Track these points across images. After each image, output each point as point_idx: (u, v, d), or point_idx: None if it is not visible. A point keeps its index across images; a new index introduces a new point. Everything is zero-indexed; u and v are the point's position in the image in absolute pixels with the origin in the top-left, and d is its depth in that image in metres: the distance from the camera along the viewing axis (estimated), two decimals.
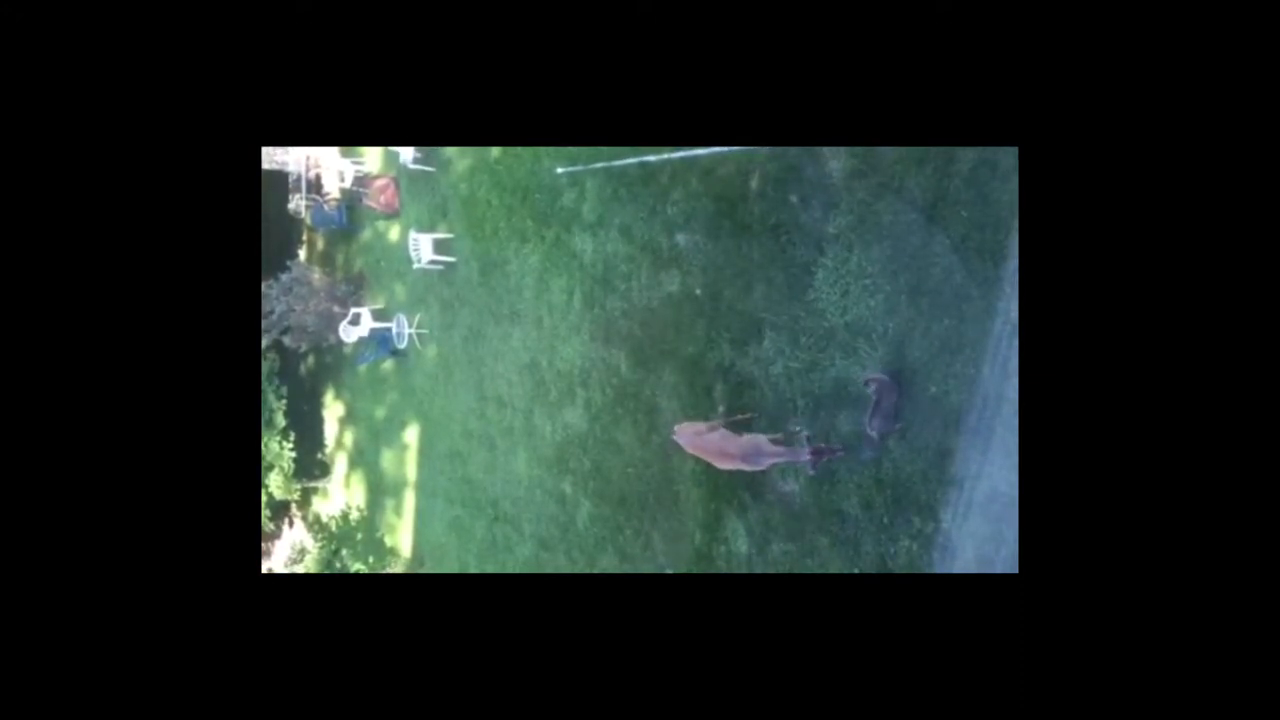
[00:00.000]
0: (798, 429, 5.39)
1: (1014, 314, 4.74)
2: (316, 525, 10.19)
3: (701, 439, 5.73)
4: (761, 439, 5.40)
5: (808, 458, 5.11)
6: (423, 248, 9.15)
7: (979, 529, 4.98)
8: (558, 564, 8.03)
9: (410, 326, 9.72)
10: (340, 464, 11.40)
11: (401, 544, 10.19)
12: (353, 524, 10.01)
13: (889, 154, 5.29)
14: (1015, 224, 4.74)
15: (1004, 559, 4.85)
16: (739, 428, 5.81)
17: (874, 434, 5.08)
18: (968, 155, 4.93)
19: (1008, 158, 4.75)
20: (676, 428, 6.01)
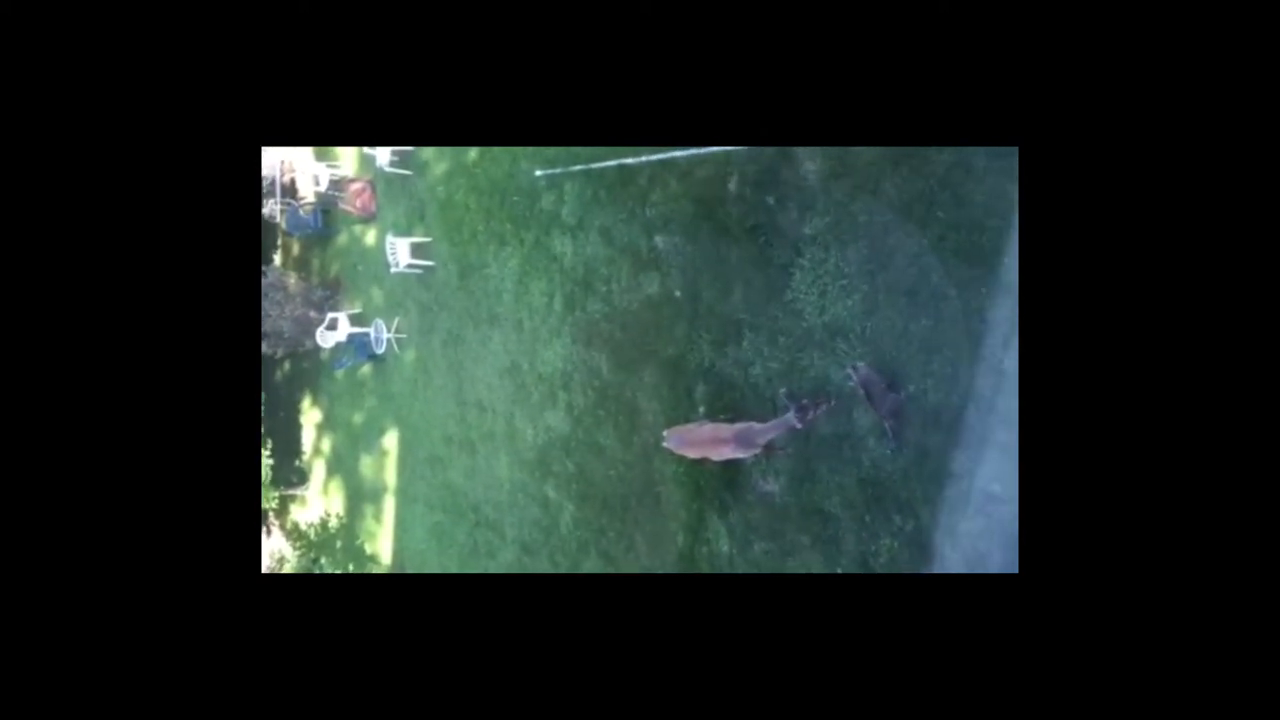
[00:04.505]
0: (781, 390, 5.52)
1: (990, 313, 4.80)
2: (295, 533, 10.07)
3: (693, 434, 5.85)
4: (752, 423, 5.53)
5: (796, 422, 5.22)
6: (400, 251, 9.08)
7: (958, 525, 5.04)
8: (540, 568, 8.00)
9: (388, 331, 9.65)
10: (318, 471, 11.28)
11: (381, 551, 10.09)
12: (332, 531, 9.91)
13: (864, 155, 5.35)
14: (990, 224, 4.81)
15: (982, 554, 4.91)
16: (727, 420, 5.89)
17: (891, 420, 5.14)
18: (942, 156, 4.99)
19: (982, 159, 4.82)
20: (666, 433, 6.04)
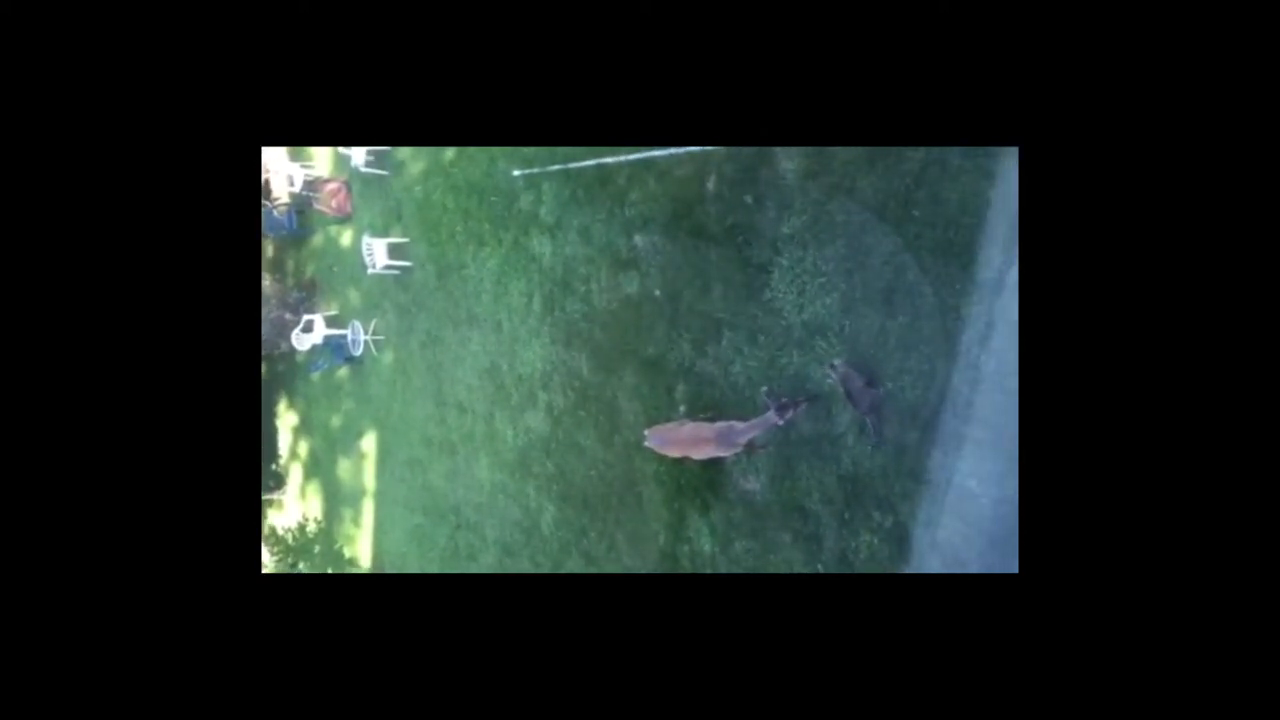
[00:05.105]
0: (763, 389, 5.64)
1: (966, 310, 4.85)
2: (272, 538, 9.93)
3: (675, 433, 5.88)
4: (733, 422, 5.57)
5: (777, 420, 5.26)
6: (377, 252, 8.99)
7: (937, 521, 5.09)
8: (522, 569, 7.97)
9: (365, 333, 9.55)
10: (295, 475, 11.15)
11: (361, 554, 10.00)
12: (310, 536, 9.80)
13: (841, 154, 5.38)
14: (966, 221, 4.86)
15: (960, 550, 4.97)
16: (708, 419, 5.92)
17: (871, 416, 5.18)
18: (917, 155, 5.03)
19: (956, 157, 4.87)
20: (647, 432, 6.05)
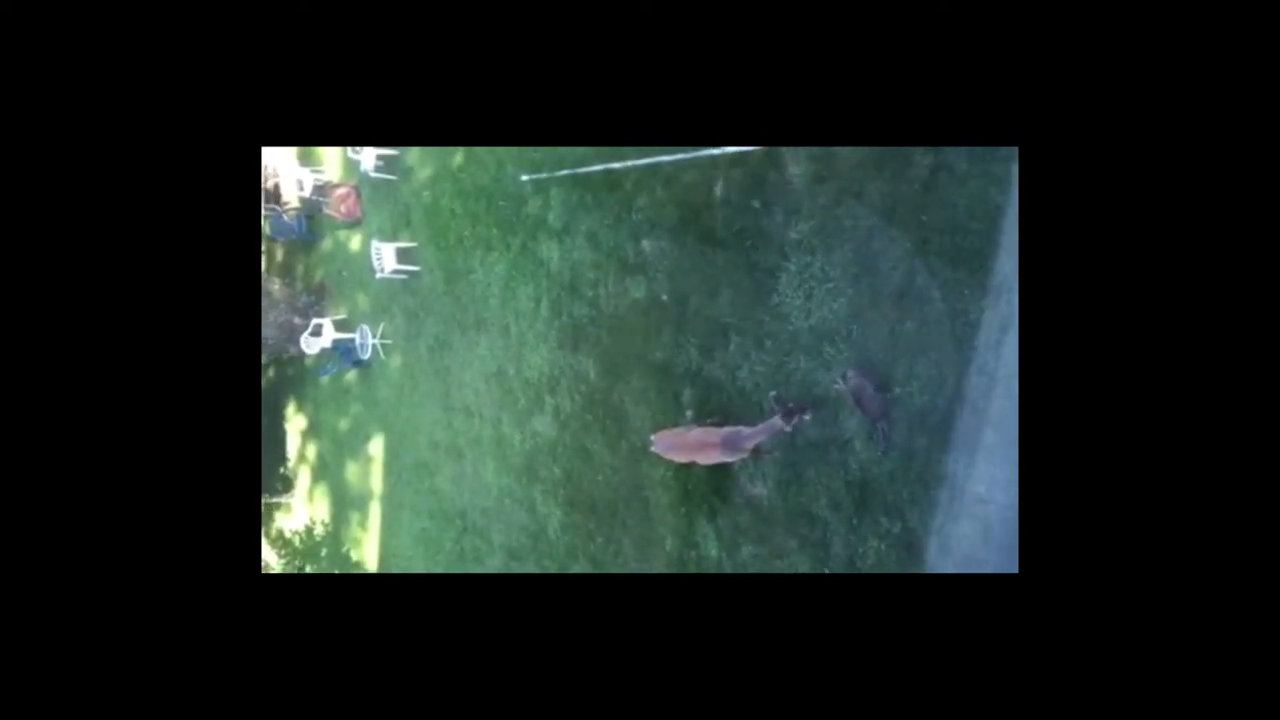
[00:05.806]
0: (771, 393, 5.64)
1: (974, 315, 4.84)
2: (280, 541, 9.97)
3: (681, 438, 5.88)
4: (740, 427, 5.57)
5: (782, 425, 5.25)
6: (385, 257, 9.04)
7: (945, 527, 5.06)
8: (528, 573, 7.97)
9: (374, 337, 9.59)
10: (303, 478, 11.19)
11: (368, 558, 10.02)
12: (317, 539, 9.83)
13: (848, 159, 5.38)
14: (973, 227, 4.84)
15: (969, 556, 4.94)
16: (715, 424, 5.92)
17: (882, 422, 5.16)
18: (925, 160, 5.02)
19: (964, 162, 4.86)
20: (653, 437, 6.04)
